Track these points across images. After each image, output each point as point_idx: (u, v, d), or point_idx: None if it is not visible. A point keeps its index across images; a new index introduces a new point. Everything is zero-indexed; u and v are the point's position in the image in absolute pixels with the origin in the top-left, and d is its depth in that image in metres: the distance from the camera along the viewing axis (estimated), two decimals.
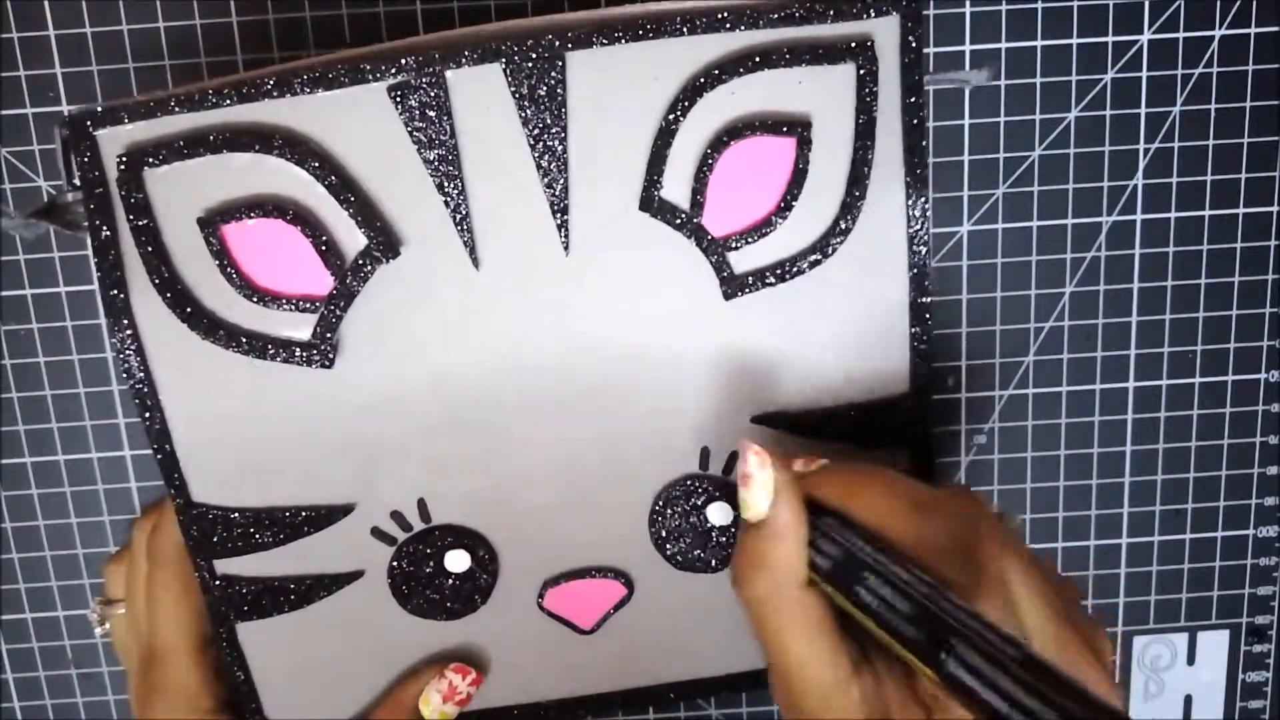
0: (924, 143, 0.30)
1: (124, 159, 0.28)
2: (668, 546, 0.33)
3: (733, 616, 0.33)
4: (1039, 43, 0.36)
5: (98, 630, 0.35)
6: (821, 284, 0.31)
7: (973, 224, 0.37)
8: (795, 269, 0.30)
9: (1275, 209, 0.37)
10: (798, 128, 0.29)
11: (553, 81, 0.29)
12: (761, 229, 0.30)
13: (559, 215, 0.30)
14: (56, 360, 0.38)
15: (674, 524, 0.32)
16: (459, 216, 0.29)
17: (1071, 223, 0.37)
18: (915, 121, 0.30)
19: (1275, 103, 0.36)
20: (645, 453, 0.32)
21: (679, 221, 0.30)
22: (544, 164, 0.29)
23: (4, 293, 0.36)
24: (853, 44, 0.29)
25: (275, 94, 0.28)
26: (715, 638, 0.34)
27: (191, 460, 0.31)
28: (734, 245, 0.30)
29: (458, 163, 0.29)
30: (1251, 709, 0.42)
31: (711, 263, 0.30)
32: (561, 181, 0.29)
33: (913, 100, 0.30)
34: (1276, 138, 0.37)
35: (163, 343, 0.30)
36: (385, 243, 0.29)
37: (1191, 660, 0.42)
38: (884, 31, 0.29)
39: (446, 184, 0.29)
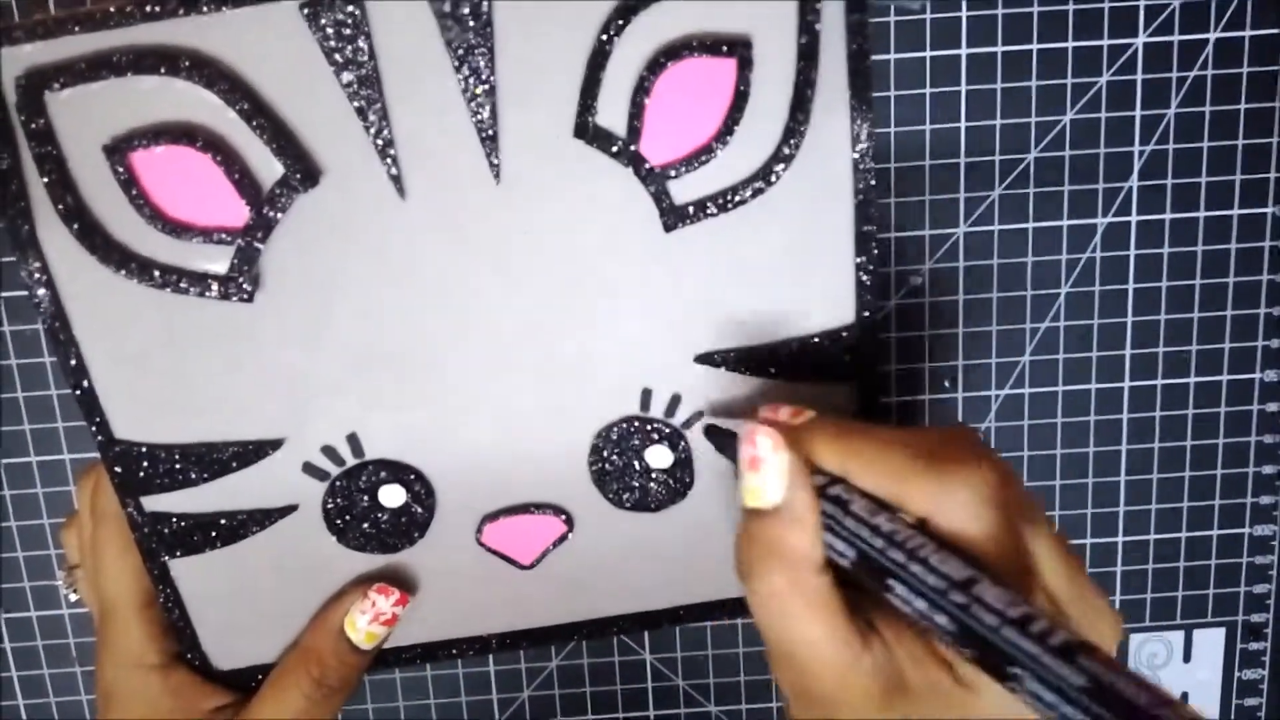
0: (869, 64, 0.28)
1: (23, 81, 0.26)
2: (608, 486, 0.32)
3: (673, 553, 0.33)
4: (1034, 46, 0.36)
5: (72, 597, 0.35)
6: (765, 212, 0.30)
7: (969, 225, 0.37)
8: (738, 198, 0.29)
9: (1269, 210, 0.38)
10: (738, 47, 0.28)
11: None
12: (702, 156, 0.29)
13: (488, 143, 0.28)
14: None
15: (614, 465, 0.32)
16: (382, 144, 0.28)
17: (1067, 224, 0.38)
18: (860, 42, 0.28)
19: (1269, 105, 0.37)
20: (583, 391, 0.31)
21: (616, 149, 0.28)
22: (470, 88, 0.28)
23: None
24: None
25: (180, 11, 0.26)
26: (656, 574, 0.33)
27: (111, 396, 0.29)
28: (673, 174, 0.29)
29: (378, 86, 0.27)
30: (1247, 706, 0.42)
31: (650, 193, 0.29)
32: (489, 106, 0.28)
33: (857, 19, 0.28)
34: (1270, 139, 0.37)
35: (73, 276, 0.28)
36: (303, 171, 0.28)
37: (1187, 658, 0.42)
38: None
39: (367, 109, 0.28)
